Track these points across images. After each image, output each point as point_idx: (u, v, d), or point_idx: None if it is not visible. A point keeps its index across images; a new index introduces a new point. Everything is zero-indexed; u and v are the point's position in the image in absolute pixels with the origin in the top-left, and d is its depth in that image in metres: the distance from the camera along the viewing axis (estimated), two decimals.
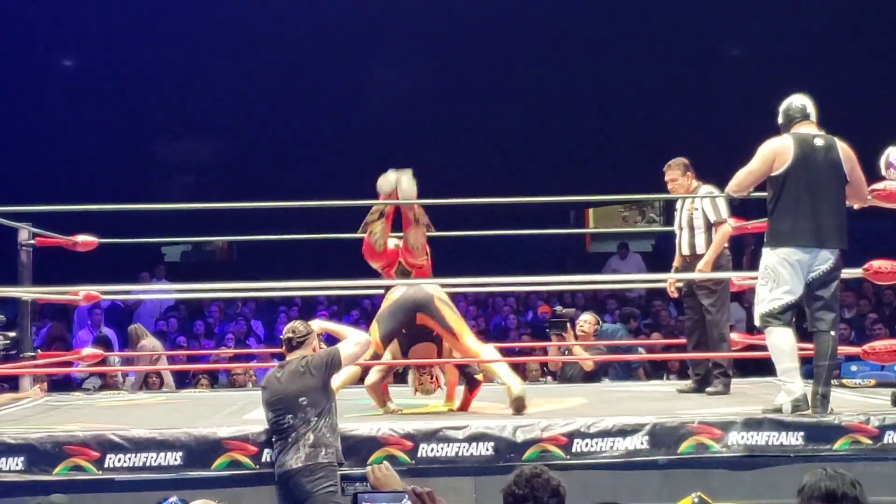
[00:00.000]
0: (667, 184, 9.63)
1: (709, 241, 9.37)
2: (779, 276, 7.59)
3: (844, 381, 10.33)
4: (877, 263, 8.20)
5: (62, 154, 20.99)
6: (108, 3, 20.89)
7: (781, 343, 7.64)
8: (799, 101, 7.85)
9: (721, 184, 9.50)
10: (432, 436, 7.36)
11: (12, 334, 8.06)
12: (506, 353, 13.20)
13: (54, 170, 20.45)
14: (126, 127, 21.42)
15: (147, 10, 21.05)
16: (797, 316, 7.76)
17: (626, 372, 12.52)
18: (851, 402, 8.07)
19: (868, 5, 20.41)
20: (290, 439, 7.03)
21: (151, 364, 12.52)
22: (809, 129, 7.75)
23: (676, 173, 9.58)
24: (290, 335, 7.47)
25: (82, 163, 20.84)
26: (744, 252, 15.64)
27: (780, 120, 7.91)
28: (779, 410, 7.62)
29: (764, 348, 10.50)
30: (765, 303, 7.67)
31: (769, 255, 7.68)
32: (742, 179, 7.84)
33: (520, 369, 13.15)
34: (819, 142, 7.66)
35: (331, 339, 8.05)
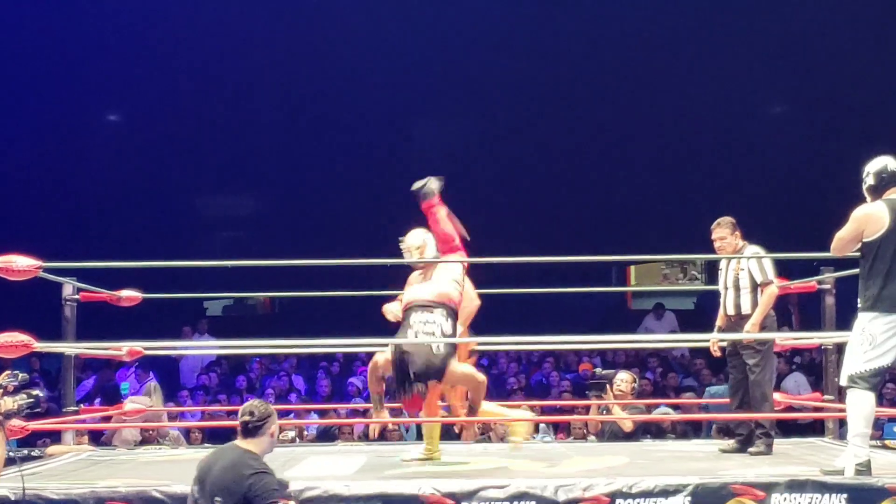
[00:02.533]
0: (714, 242, 9.62)
1: (754, 301, 9.34)
2: (875, 339, 7.60)
3: (887, 441, 10.27)
4: None
5: (106, 209, 21.13)
6: (153, 58, 21.05)
7: (862, 406, 7.63)
8: (893, 164, 7.78)
9: (765, 243, 9.51)
10: (473, 495, 7.31)
11: (37, 393, 8.00)
12: (547, 410, 13.23)
13: (98, 224, 20.60)
14: (169, 181, 21.56)
15: (190, 67, 21.21)
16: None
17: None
18: (894, 464, 8.00)
19: None
20: None
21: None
22: None
23: (725, 232, 9.56)
24: (247, 418, 6.75)
25: (126, 217, 20.99)
26: (790, 311, 15.60)
27: (871, 181, 7.83)
28: (840, 472, 7.57)
29: (807, 410, 10.48)
30: (857, 364, 7.66)
31: (865, 318, 7.68)
32: (837, 244, 7.85)
33: (562, 427, 13.14)
34: None
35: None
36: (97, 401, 14.23)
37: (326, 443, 12.59)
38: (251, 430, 6.75)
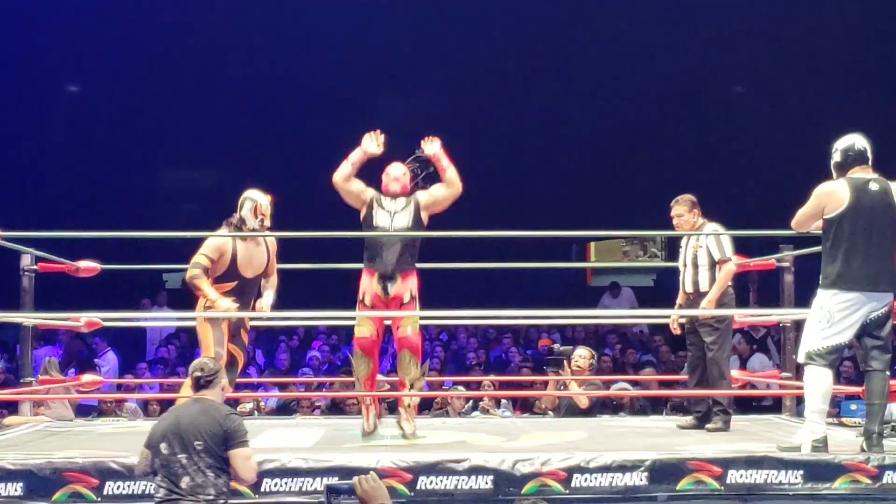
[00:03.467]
0: (672, 219, 9.64)
1: (712, 279, 9.37)
2: (833, 317, 7.64)
3: (844, 419, 10.33)
4: None
5: (66, 180, 21.01)
6: (114, 29, 20.92)
7: (819, 383, 7.66)
8: (860, 143, 7.81)
9: (726, 221, 9.54)
10: (432, 468, 7.33)
11: None
12: (506, 386, 13.25)
13: (57, 196, 20.48)
14: (130, 153, 21.44)
15: (154, 39, 21.08)
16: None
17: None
18: (851, 441, 8.05)
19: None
20: (180, 478, 6.78)
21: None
22: (865, 172, 7.76)
23: (683, 209, 9.58)
24: (199, 373, 7.13)
25: (86, 189, 20.87)
26: (749, 289, 15.65)
27: (836, 158, 7.86)
28: (796, 449, 7.62)
29: (763, 387, 10.52)
30: (814, 341, 7.70)
31: (824, 296, 7.72)
32: (798, 219, 7.93)
33: (522, 402, 13.17)
34: (874, 186, 7.69)
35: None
36: (72, 370, 14.14)
37: (285, 416, 12.59)
38: (204, 384, 7.12)
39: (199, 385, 7.12)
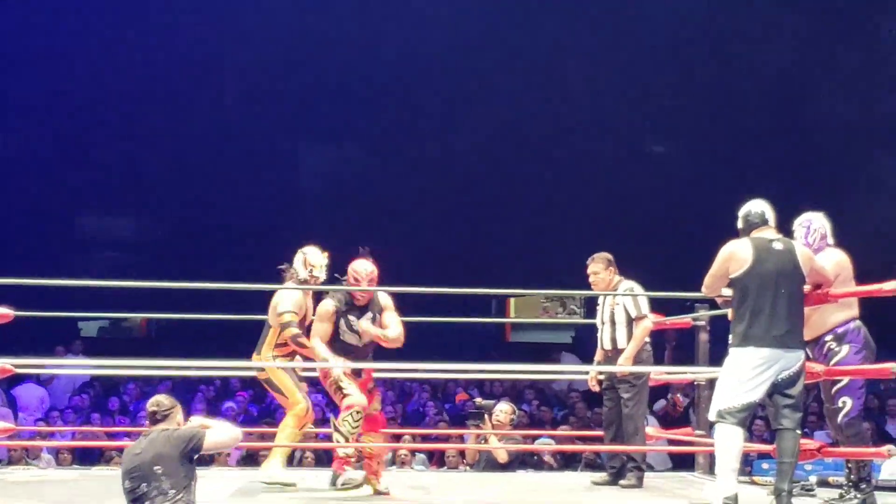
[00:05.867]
0: (588, 276, 9.72)
1: (629, 335, 9.47)
2: (744, 375, 7.68)
3: (755, 478, 10.39)
4: None
5: None
6: (36, 69, 20.82)
7: (730, 441, 7.70)
8: (758, 207, 7.94)
9: (642, 279, 9.63)
10: None
11: None
12: (423, 439, 13.24)
13: None
14: (50, 198, 21.29)
15: (75, 82, 20.98)
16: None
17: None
18: (761, 500, 8.11)
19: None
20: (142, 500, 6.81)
21: None
22: (768, 233, 7.86)
23: (599, 267, 9.68)
24: (155, 409, 7.16)
25: (2, 233, 20.67)
26: (665, 347, 15.75)
27: (739, 225, 7.99)
28: None
29: (678, 443, 10.59)
30: (726, 399, 7.74)
31: (735, 354, 7.77)
32: (707, 283, 8.00)
33: (438, 456, 13.17)
34: (778, 245, 7.78)
35: None
36: None
37: (201, 466, 12.47)
38: (160, 420, 7.11)
39: (156, 420, 7.13)
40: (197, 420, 7.47)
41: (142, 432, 7.27)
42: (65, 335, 18.34)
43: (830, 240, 8.49)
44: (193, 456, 7.03)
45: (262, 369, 9.09)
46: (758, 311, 7.67)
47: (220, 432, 7.23)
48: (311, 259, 9.29)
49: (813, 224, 8.48)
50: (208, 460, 12.95)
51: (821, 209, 8.59)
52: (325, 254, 9.36)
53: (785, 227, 8.11)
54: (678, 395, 15.23)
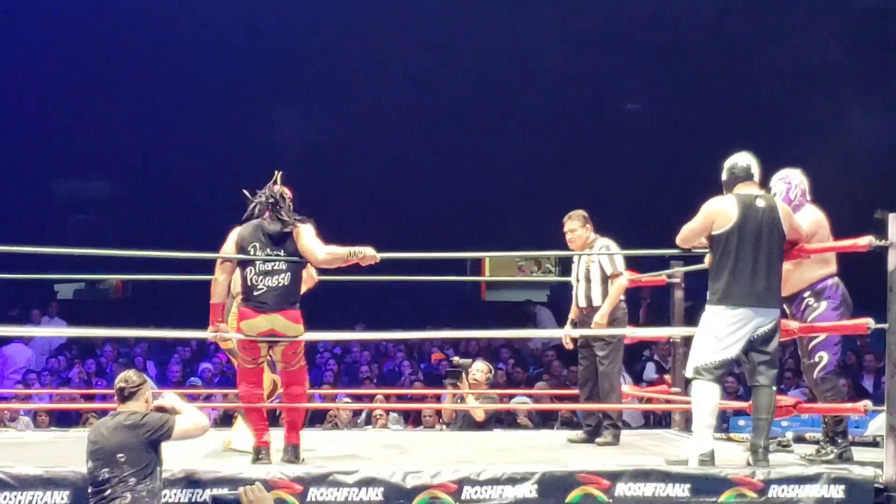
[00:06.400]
0: (565, 234, 9.72)
1: (605, 293, 9.46)
2: (720, 332, 7.73)
3: (732, 435, 10.44)
4: None
5: None
6: (7, 35, 20.71)
7: (706, 398, 7.76)
8: (744, 160, 7.96)
9: (617, 236, 9.64)
10: (322, 480, 7.32)
11: None
12: (399, 399, 13.27)
13: None
14: (24, 163, 21.21)
15: (43, 49, 20.88)
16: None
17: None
18: (738, 456, 8.16)
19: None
20: (106, 494, 6.79)
21: None
22: (751, 189, 7.87)
23: (575, 224, 9.66)
24: (123, 384, 7.11)
25: None
26: (640, 304, 15.80)
27: (723, 177, 8.01)
28: (683, 462, 7.71)
29: (652, 401, 10.63)
30: (701, 356, 7.79)
31: (712, 312, 7.81)
32: (684, 235, 8.01)
33: (414, 416, 13.21)
34: (761, 202, 7.79)
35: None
36: None
37: None
38: (127, 396, 7.09)
39: (123, 397, 7.09)
40: (169, 399, 7.39)
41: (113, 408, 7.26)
42: (41, 298, 18.31)
43: (809, 196, 8.52)
44: (159, 444, 7.00)
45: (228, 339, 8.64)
46: (737, 269, 7.71)
47: (189, 420, 7.16)
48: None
49: (793, 180, 8.50)
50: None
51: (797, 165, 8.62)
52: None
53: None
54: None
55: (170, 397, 7.46)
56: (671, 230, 8.25)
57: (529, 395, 13.33)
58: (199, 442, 7.82)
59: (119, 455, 6.80)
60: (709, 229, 7.83)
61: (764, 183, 8.17)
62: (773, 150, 8.98)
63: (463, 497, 7.37)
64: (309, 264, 8.29)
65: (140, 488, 6.79)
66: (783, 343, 8.25)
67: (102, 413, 12.80)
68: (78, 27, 20.98)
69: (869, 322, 7.83)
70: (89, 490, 6.90)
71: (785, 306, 8.23)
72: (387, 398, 12.95)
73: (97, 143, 21.58)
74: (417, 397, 13.49)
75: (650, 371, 15.26)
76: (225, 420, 12.89)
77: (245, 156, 20.93)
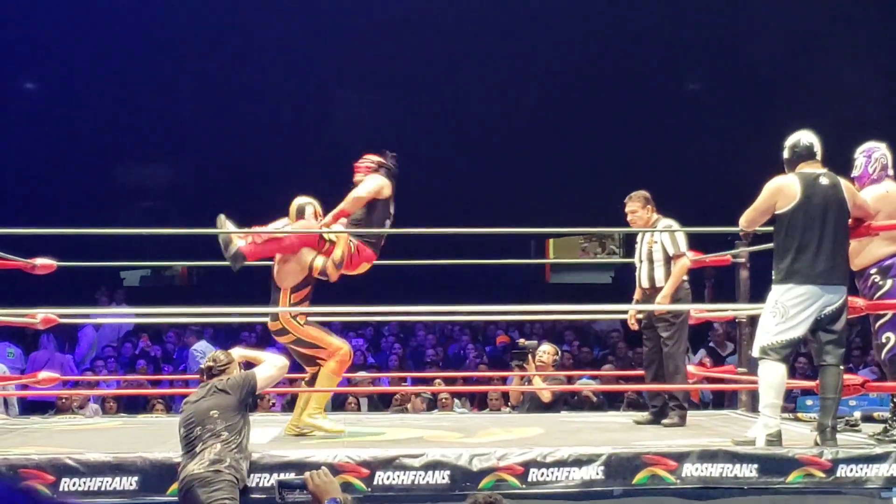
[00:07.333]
0: (627, 216, 9.68)
1: (668, 274, 9.42)
2: (787, 311, 7.68)
3: (799, 414, 10.39)
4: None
5: (23, 177, 20.91)
6: (70, 25, 20.85)
7: (774, 377, 7.72)
8: (807, 139, 7.91)
9: (680, 217, 9.59)
10: (389, 463, 7.35)
11: None
12: (465, 382, 13.29)
13: (14, 192, 20.38)
14: (88, 150, 21.37)
15: (110, 35, 21.02)
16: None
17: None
18: (805, 436, 8.11)
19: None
20: (196, 449, 6.87)
21: None
22: (814, 167, 7.83)
23: (637, 205, 9.62)
24: (211, 364, 7.40)
25: (43, 186, 20.78)
26: (705, 285, 15.71)
27: (785, 155, 7.97)
28: (751, 443, 7.67)
29: (718, 381, 10.56)
30: (769, 335, 7.75)
31: (778, 291, 7.76)
32: (749, 217, 7.98)
33: (479, 399, 13.22)
34: (824, 180, 7.74)
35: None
36: None
37: None
38: (216, 374, 7.34)
39: (212, 375, 7.35)
40: (238, 352, 7.73)
41: (198, 382, 7.44)
42: (108, 285, 18.44)
43: (891, 171, 8.42)
44: (249, 400, 7.23)
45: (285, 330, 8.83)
46: (803, 248, 7.65)
47: (268, 367, 7.46)
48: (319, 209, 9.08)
49: (875, 154, 8.41)
50: (252, 405, 13.03)
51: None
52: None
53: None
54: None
55: (238, 351, 7.83)
56: (735, 209, 8.20)
57: (595, 377, 13.32)
58: (264, 427, 7.84)
59: (212, 411, 6.98)
60: (772, 209, 7.78)
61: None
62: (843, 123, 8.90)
63: (529, 479, 7.36)
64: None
65: (231, 440, 6.91)
66: (850, 321, 8.17)
67: (169, 399, 12.97)
68: (143, 16, 21.10)
69: None
70: (181, 454, 6.99)
71: (855, 281, 8.17)
72: (452, 381, 12.97)
73: (159, 127, 21.72)
74: (483, 380, 13.49)
75: (699, 357, 15.15)
76: (292, 404, 12.96)
77: (306, 138, 21.01)
